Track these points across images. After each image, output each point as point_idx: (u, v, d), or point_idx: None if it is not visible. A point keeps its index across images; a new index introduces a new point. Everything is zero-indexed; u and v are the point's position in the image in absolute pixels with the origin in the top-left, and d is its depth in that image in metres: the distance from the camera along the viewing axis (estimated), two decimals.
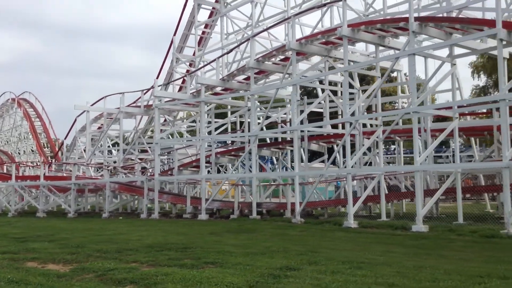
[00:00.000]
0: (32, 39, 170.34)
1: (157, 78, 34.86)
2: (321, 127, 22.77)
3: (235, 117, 28.94)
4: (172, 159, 29.49)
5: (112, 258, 10.26)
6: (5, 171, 40.57)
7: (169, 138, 29.36)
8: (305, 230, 16.79)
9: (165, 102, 27.90)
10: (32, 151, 58.66)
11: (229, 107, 30.30)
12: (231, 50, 25.59)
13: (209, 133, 26.39)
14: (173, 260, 9.82)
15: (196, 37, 31.69)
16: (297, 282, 7.54)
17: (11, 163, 49.12)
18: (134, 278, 7.93)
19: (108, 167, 30.20)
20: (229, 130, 31.55)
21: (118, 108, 30.73)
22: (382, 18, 19.84)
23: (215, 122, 28.71)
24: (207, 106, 28.32)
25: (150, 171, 27.67)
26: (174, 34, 33.65)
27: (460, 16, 17.72)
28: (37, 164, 36.56)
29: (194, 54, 33.12)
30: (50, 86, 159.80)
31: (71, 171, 35.36)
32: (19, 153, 61.11)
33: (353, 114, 18.48)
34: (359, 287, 7.13)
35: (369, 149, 20.71)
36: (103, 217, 25.90)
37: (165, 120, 33.76)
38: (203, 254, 10.59)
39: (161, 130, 30.26)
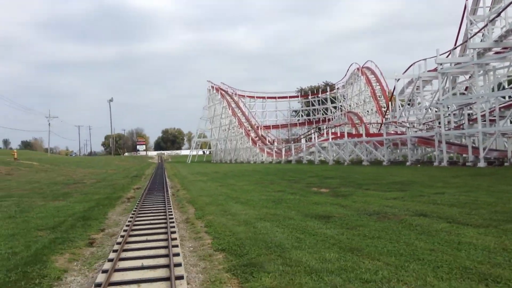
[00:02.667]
0: None
1: (455, 43, 38.30)
2: None
3: None
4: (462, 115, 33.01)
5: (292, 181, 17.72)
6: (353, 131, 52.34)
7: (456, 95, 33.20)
8: None
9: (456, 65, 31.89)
10: (374, 111, 69.43)
11: None
12: (499, 14, 27.39)
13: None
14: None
15: None
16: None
17: (360, 123, 61.46)
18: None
19: (409, 125, 36.67)
20: None
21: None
22: None
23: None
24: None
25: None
26: None
27: None
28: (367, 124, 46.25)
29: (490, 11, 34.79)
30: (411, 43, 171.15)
31: (395, 128, 43.80)
32: (363, 114, 73.23)
33: None
34: (395, 203, 12.16)
35: None
36: (406, 165, 32.89)
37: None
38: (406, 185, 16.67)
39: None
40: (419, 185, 17.07)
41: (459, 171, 23.27)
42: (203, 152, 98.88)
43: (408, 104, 44.13)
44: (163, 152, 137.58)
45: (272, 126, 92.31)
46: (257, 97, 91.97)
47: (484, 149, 26.85)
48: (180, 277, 5.61)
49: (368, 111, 71.79)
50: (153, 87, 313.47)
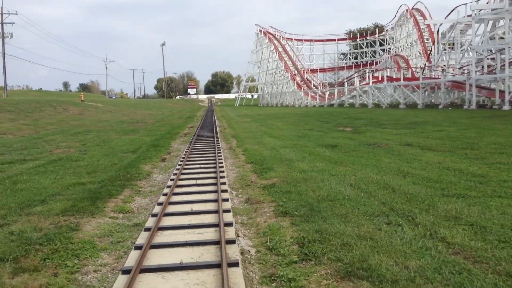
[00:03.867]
0: None
1: None
2: None
3: None
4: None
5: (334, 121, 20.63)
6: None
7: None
8: None
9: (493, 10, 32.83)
10: (420, 54, 69.45)
11: None
12: None
13: None
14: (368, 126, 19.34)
15: None
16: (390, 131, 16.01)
17: (407, 68, 62.31)
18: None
19: (443, 68, 38.16)
20: None
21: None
22: None
23: None
24: None
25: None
26: None
27: None
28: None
29: None
30: None
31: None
32: (411, 58, 73.18)
33: None
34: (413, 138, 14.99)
35: None
36: (439, 108, 34.96)
37: None
38: (403, 123, 19.43)
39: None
40: (430, 124, 19.78)
41: (478, 113, 25.49)
42: (252, 95, 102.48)
43: (450, 48, 45.12)
44: (212, 95, 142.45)
45: (319, 69, 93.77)
46: (304, 40, 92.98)
47: (509, 92, 28.59)
48: (222, 172, 9.22)
49: (415, 54, 71.81)
50: (203, 30, 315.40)
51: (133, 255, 4.68)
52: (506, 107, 28.30)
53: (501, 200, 6.08)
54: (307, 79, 73.45)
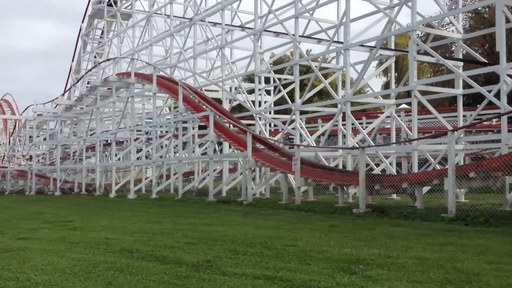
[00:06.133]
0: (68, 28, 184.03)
1: (63, 93, 46.53)
2: None
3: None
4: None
5: None
6: None
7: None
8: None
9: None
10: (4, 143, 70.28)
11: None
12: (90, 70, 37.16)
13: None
14: None
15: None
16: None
17: None
18: None
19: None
20: None
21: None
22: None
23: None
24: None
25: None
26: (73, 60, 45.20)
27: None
28: None
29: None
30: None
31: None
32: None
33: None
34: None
35: None
36: (5, 194, 37.70)
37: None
38: None
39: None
40: None
41: (33, 197, 30.24)
42: None
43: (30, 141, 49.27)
44: None
45: None
46: None
47: (60, 181, 34.89)
48: None
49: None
50: None
51: None
52: (57, 193, 34.20)
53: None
54: None
